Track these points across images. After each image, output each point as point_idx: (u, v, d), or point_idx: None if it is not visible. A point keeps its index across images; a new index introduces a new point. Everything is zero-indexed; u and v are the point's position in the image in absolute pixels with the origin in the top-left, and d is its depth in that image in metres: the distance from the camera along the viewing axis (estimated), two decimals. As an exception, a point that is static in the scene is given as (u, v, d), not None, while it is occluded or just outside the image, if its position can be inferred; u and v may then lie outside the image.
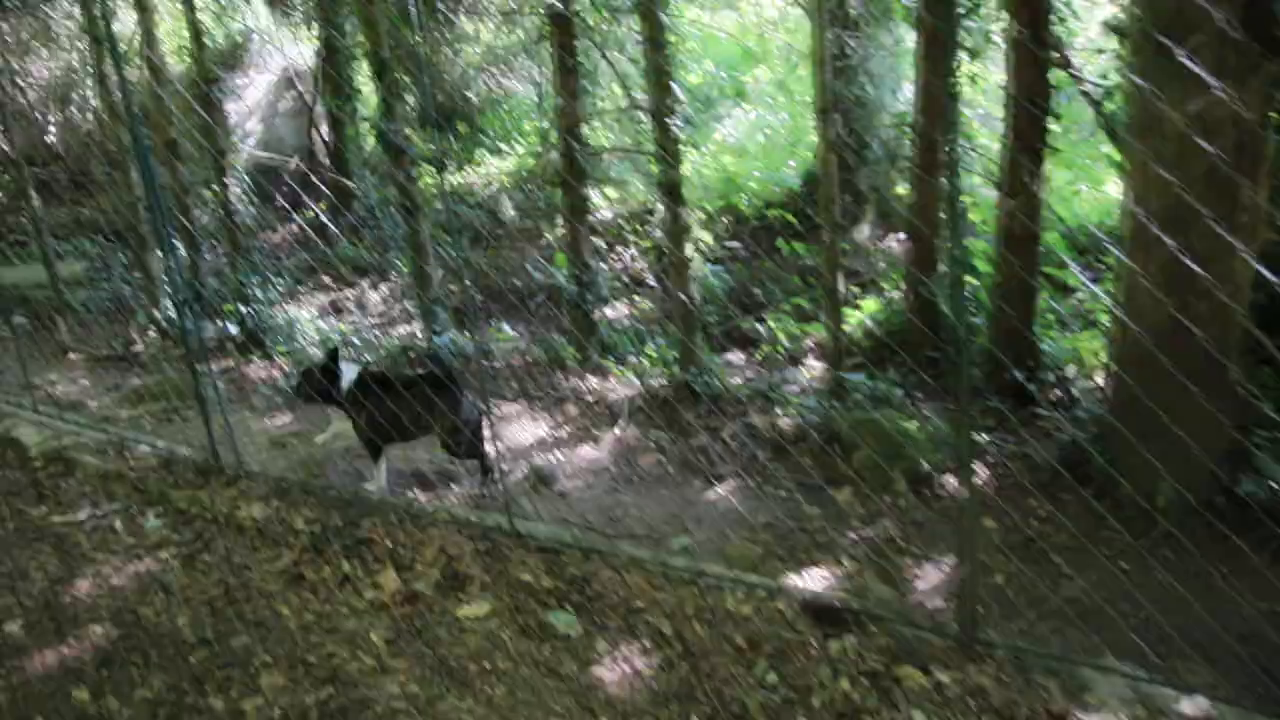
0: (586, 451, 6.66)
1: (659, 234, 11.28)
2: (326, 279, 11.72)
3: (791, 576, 5.22)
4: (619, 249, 11.55)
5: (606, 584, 4.67)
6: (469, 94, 16.00)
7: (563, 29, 7.66)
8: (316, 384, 5.88)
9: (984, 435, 6.35)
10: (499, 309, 10.50)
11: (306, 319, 9.61)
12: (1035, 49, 6.43)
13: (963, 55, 7.58)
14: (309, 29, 16.28)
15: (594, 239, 11.49)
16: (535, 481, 6.04)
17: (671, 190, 6.89)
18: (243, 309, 9.13)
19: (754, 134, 12.86)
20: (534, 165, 14.02)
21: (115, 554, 5.27)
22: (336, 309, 10.86)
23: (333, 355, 5.83)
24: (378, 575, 4.81)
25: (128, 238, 13.31)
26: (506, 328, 9.37)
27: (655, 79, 6.77)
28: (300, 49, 17.14)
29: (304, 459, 6.50)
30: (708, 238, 7.71)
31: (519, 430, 6.98)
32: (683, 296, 7.04)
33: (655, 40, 6.69)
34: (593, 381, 7.86)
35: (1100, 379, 7.26)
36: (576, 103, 7.76)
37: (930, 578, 5.41)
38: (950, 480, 6.07)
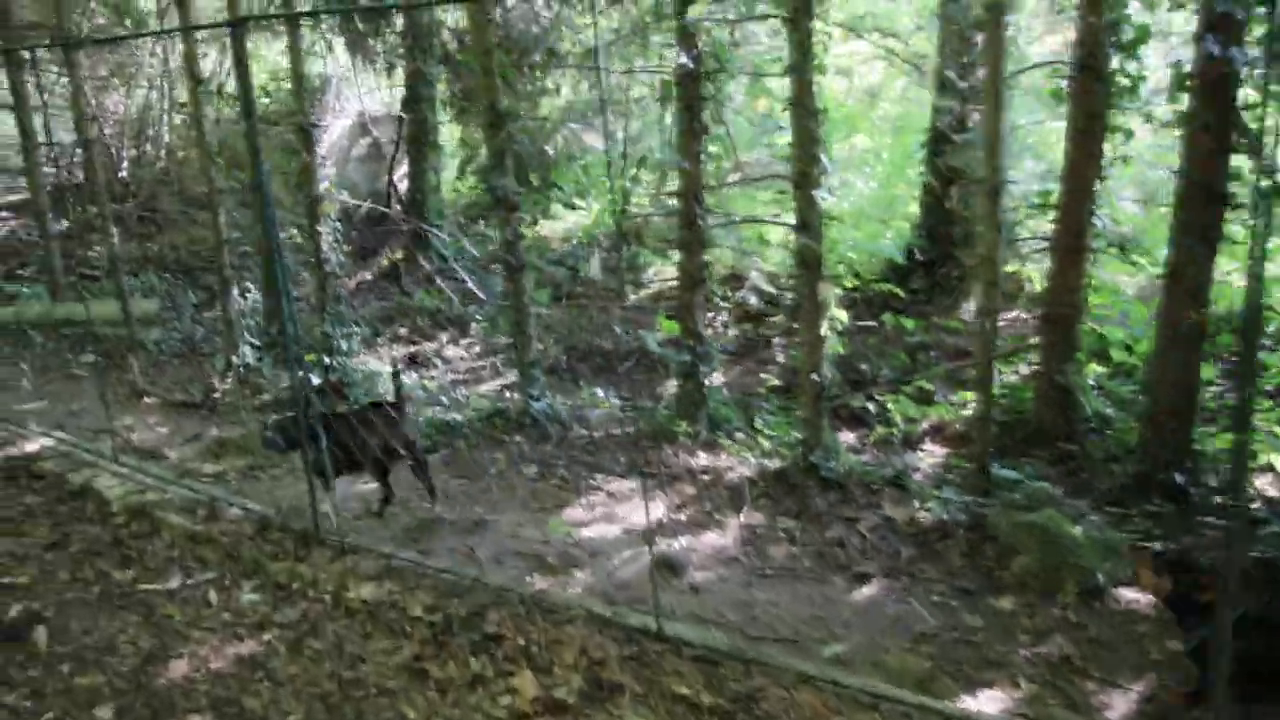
0: (711, 538, 6.08)
1: (754, 301, 10.83)
2: (403, 330, 11.29)
3: (965, 698, 4.62)
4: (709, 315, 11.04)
5: (776, 704, 4.08)
6: (546, 147, 15.70)
7: (690, 87, 7.24)
8: (287, 435, 5.75)
9: (1155, 544, 5.72)
10: (586, 371, 10.01)
11: (388, 372, 9.14)
12: (1213, 133, 5.94)
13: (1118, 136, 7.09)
14: (389, 75, 16.10)
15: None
16: (663, 572, 5.47)
17: (812, 264, 6.39)
18: (326, 360, 8.68)
19: (848, 202, 12.39)
20: (616, 223, 13.61)
21: (212, 631, 4.75)
22: (415, 361, 10.41)
23: (306, 401, 5.53)
24: (512, 677, 4.25)
25: (199, 277, 13.03)
26: (599, 393, 8.85)
27: (801, 145, 6.30)
28: (378, 95, 16.99)
29: (406, 528, 5.98)
30: (843, 316, 7.18)
31: (632, 510, 6.42)
32: (815, 377, 6.51)
33: (804, 104, 6.24)
34: (703, 458, 7.31)
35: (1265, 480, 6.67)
36: (699, 165, 7.30)
37: (1118, 706, 4.77)
38: (1124, 593, 5.45)
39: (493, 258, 13.41)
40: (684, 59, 7.18)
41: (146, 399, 8.81)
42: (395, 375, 6.32)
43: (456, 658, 4.41)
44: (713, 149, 7.57)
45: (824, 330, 6.63)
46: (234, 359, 9.11)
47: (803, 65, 6.26)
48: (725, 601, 5.34)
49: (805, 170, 6.35)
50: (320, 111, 16.50)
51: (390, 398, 6.34)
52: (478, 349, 10.86)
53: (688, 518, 6.40)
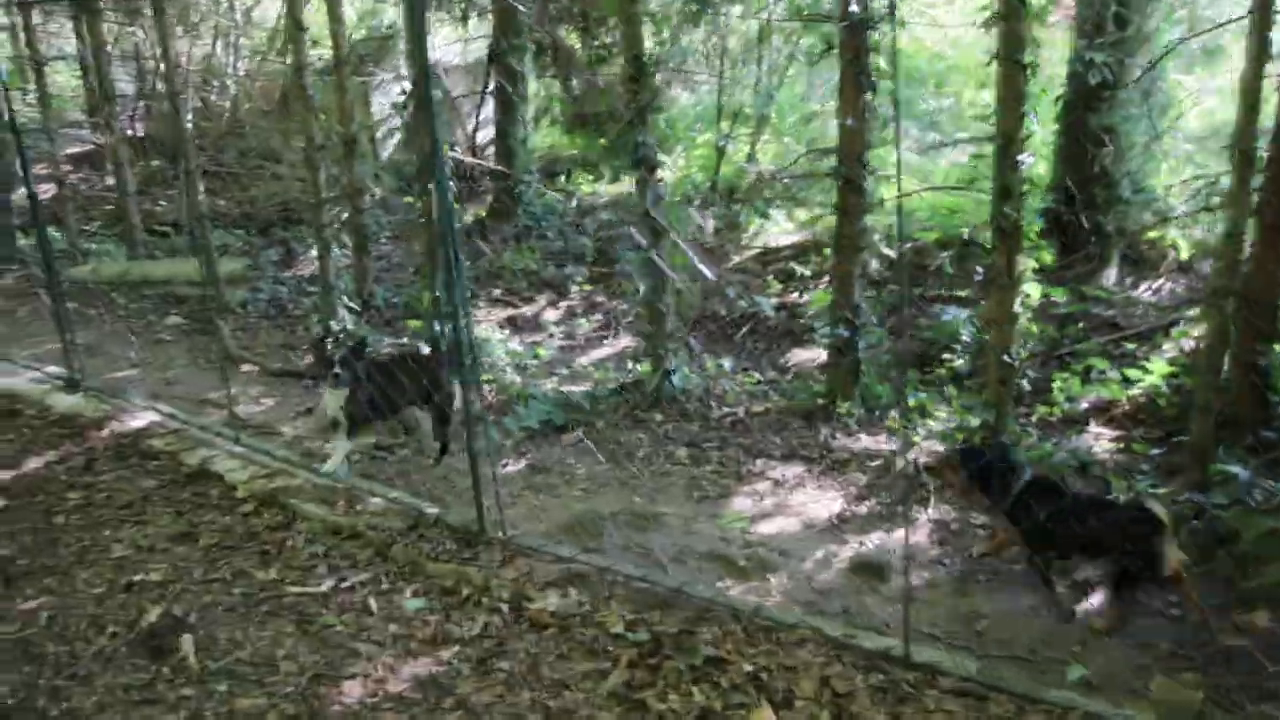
0: (903, 535, 5.40)
1: (874, 266, 10.05)
2: (496, 291, 10.65)
3: (1249, 738, 3.96)
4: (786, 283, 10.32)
5: (1066, 753, 3.43)
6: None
7: (857, 40, 6.48)
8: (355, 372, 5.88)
9: None
10: (700, 339, 9.33)
11: (497, 340, 8.52)
12: None
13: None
14: (464, 24, 15.34)
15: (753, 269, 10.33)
16: (866, 576, 4.82)
17: (1011, 234, 5.66)
18: (437, 327, 8.05)
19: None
20: (719, 178, 12.87)
21: (380, 645, 4.16)
22: (514, 326, 9.77)
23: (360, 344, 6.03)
24: (746, 712, 3.61)
25: (273, 234, 12.44)
26: (725, 364, 8.18)
27: (1008, 103, 5.55)
28: (451, 46, 16.25)
29: (569, 521, 5.36)
30: (1035, 292, 6.46)
31: (806, 500, 5.77)
32: (1007, 358, 5.80)
33: (1013, 59, 5.48)
34: (864, 440, 6.63)
35: None
36: (864, 125, 6.56)
37: None
38: (1398, 611, 4.74)
39: (631, 220, 12.75)
40: (853, 4, 6.43)
41: (243, 366, 8.23)
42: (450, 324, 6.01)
43: (675, 686, 3.79)
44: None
45: (1017, 306, 5.91)
46: (332, 323, 8.50)
47: (1013, 14, 5.50)
48: (943, 613, 4.70)
49: (1010, 131, 5.60)
50: (390, 63, 15.81)
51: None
52: (581, 314, 10.18)
53: (868, 510, 5.73)
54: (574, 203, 13.26)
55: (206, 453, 5.97)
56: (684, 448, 6.52)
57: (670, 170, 14.72)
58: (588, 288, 10.51)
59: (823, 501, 5.83)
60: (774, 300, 9.98)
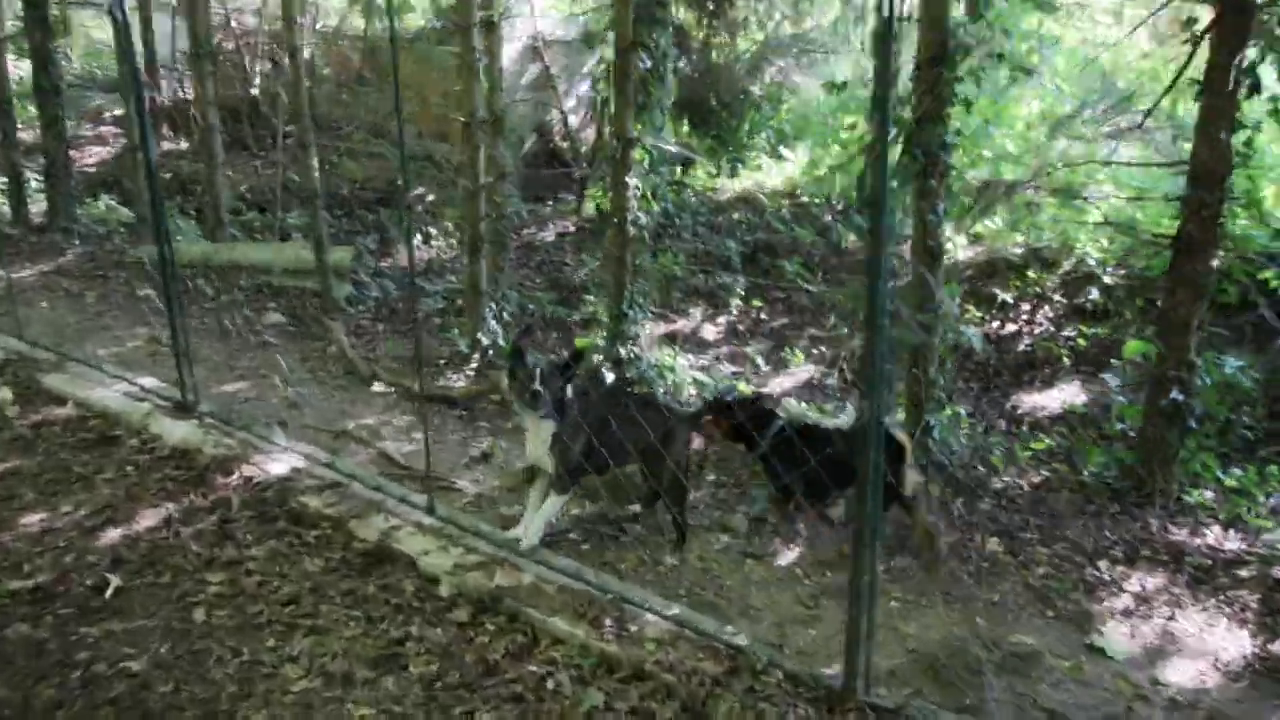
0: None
1: (1095, 295, 8.53)
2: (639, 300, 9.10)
3: None
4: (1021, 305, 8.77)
5: None
6: (752, 87, 13.36)
7: (1239, 21, 4.94)
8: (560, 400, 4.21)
9: None
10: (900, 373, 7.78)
11: (682, 366, 7.00)
12: None
13: None
14: (571, -8, 13.80)
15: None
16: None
17: None
18: (623, 350, 6.54)
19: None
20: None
21: None
22: (673, 344, 8.25)
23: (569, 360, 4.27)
24: None
25: (362, 218, 10.90)
26: (962, 412, 6.65)
27: None
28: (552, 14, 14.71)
29: (925, 657, 3.83)
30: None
31: (1201, 631, 4.23)
32: None
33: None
34: (1210, 535, 5.10)
35: None
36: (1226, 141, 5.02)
37: None
38: None
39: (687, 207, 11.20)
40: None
41: (375, 385, 6.70)
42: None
43: None
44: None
45: None
46: (480, 336, 6.97)
47: None
48: None
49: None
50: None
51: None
52: (745, 332, 8.66)
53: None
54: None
55: (383, 522, 4.44)
56: (994, 536, 4.99)
57: (792, 165, 13.22)
58: (753, 302, 8.96)
59: (1218, 631, 4.31)
60: (975, 330, 8.43)
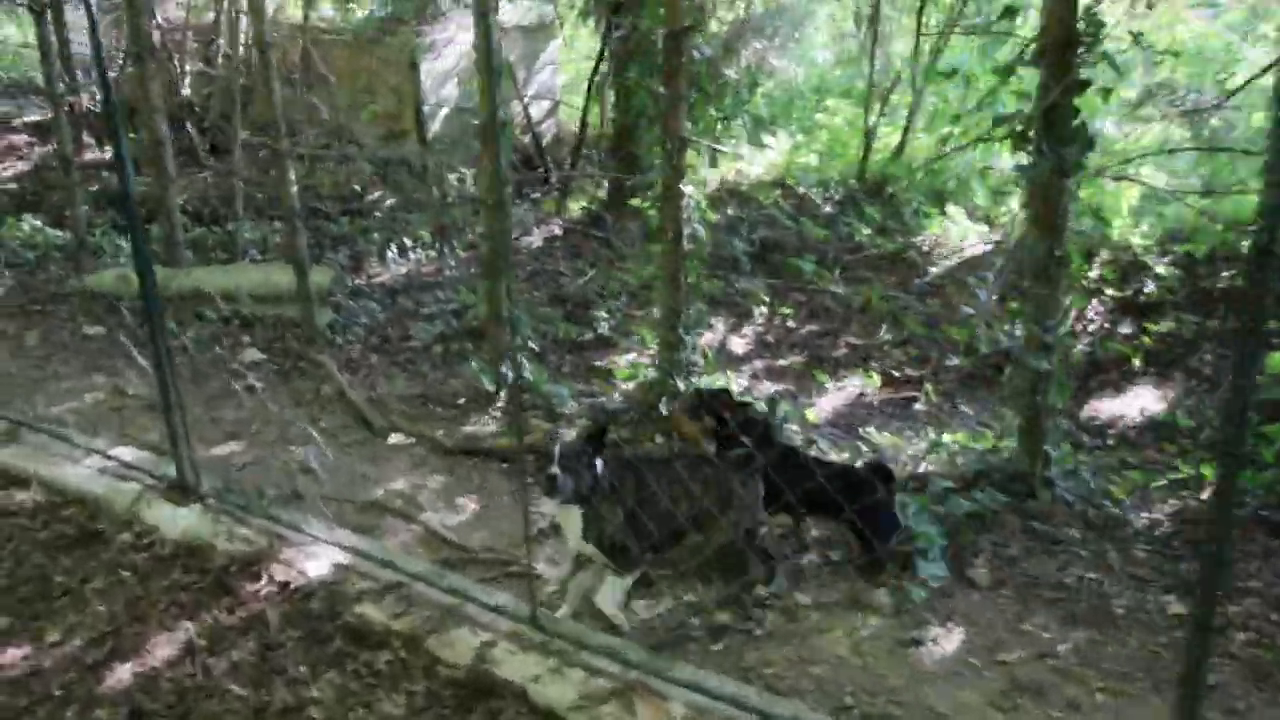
0: None
1: (1150, 287, 7.94)
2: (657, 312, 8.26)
3: None
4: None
5: None
6: (728, 70, 12.50)
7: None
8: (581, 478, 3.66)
9: None
10: (949, 387, 7.12)
11: (737, 391, 6.16)
12: None
13: None
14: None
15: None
16: None
17: None
18: (680, 383, 5.68)
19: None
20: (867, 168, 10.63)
21: None
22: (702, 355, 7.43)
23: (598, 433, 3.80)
24: None
25: (323, 230, 9.87)
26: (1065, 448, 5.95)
27: None
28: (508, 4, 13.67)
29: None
30: None
31: None
32: None
33: None
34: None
35: None
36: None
37: None
38: None
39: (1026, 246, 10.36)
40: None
41: (392, 437, 5.76)
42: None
43: None
44: None
45: None
46: (505, 370, 6.06)
47: None
48: None
49: None
50: (442, 20, 13.19)
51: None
52: (777, 344, 7.87)
53: None
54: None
55: (470, 638, 3.56)
56: (1169, 594, 4.28)
57: (774, 152, 12.46)
58: (782, 309, 8.17)
59: None
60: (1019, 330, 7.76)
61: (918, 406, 6.53)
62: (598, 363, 7.41)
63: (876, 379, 6.70)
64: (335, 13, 13.46)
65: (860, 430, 6.08)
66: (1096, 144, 4.66)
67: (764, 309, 8.30)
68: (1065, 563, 4.61)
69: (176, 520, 4.40)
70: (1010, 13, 4.95)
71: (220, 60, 13.27)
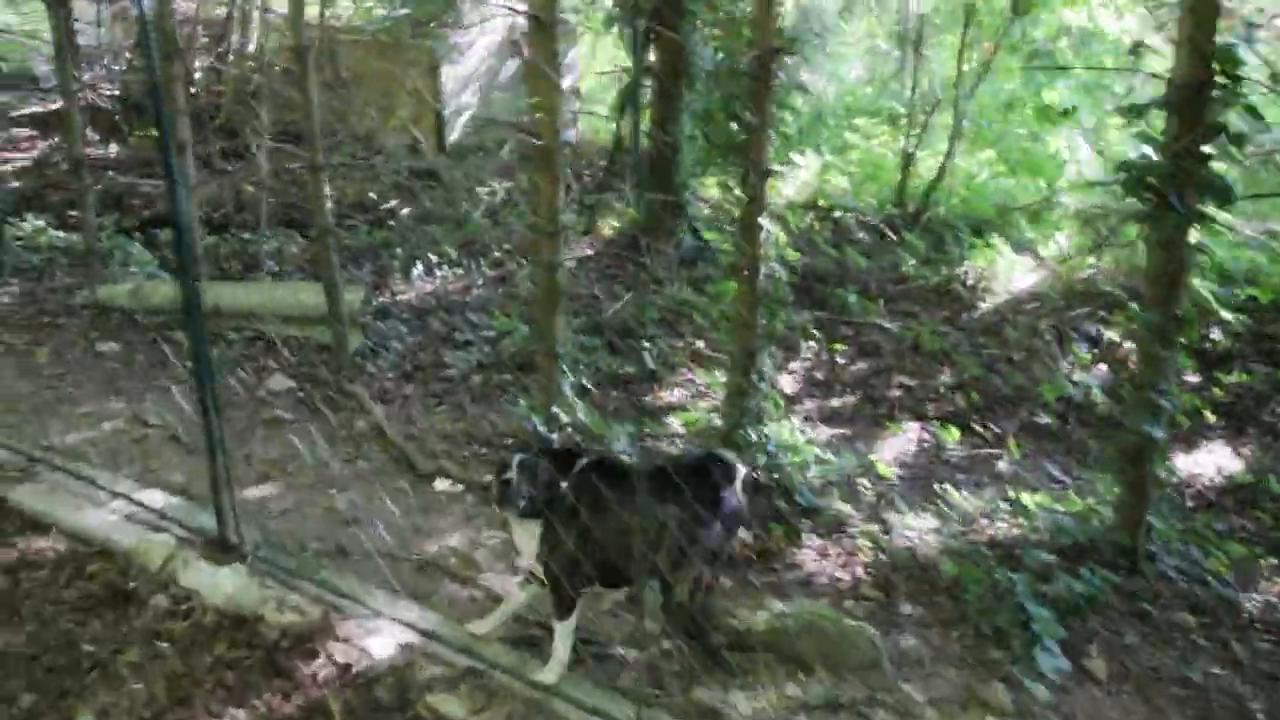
0: None
1: (1216, 335, 7.59)
2: (699, 343, 7.88)
3: None
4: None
5: None
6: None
7: None
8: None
9: None
10: (1003, 428, 6.77)
11: (800, 439, 5.77)
12: None
13: None
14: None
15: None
16: None
17: None
18: (753, 434, 5.29)
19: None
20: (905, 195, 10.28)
21: None
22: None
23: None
24: None
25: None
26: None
27: None
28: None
29: None
30: None
31: None
32: None
33: None
34: None
35: None
36: None
37: None
38: None
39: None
40: None
41: (439, 483, 5.34)
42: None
43: None
44: None
45: None
46: (558, 410, 5.66)
47: None
48: None
49: None
50: (460, 24, 12.77)
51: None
52: (828, 384, 7.49)
53: None
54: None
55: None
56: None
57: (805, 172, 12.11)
58: (835, 346, 7.79)
59: None
60: (1074, 374, 7.46)
61: (1002, 465, 6.12)
62: (645, 399, 7.02)
63: (955, 432, 6.29)
64: (352, 13, 13.01)
65: (936, 486, 5.69)
66: (1234, 196, 4.27)
67: (812, 344, 7.91)
68: (1185, 654, 4.24)
69: (218, 582, 3.97)
70: (1136, 50, 4.59)
71: (231, 58, 12.82)
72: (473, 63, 12.66)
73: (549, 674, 3.51)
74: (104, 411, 6.03)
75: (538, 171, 5.51)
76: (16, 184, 10.48)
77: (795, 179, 11.83)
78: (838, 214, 10.67)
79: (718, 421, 5.75)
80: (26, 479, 4.83)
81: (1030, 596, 4.32)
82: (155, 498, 4.63)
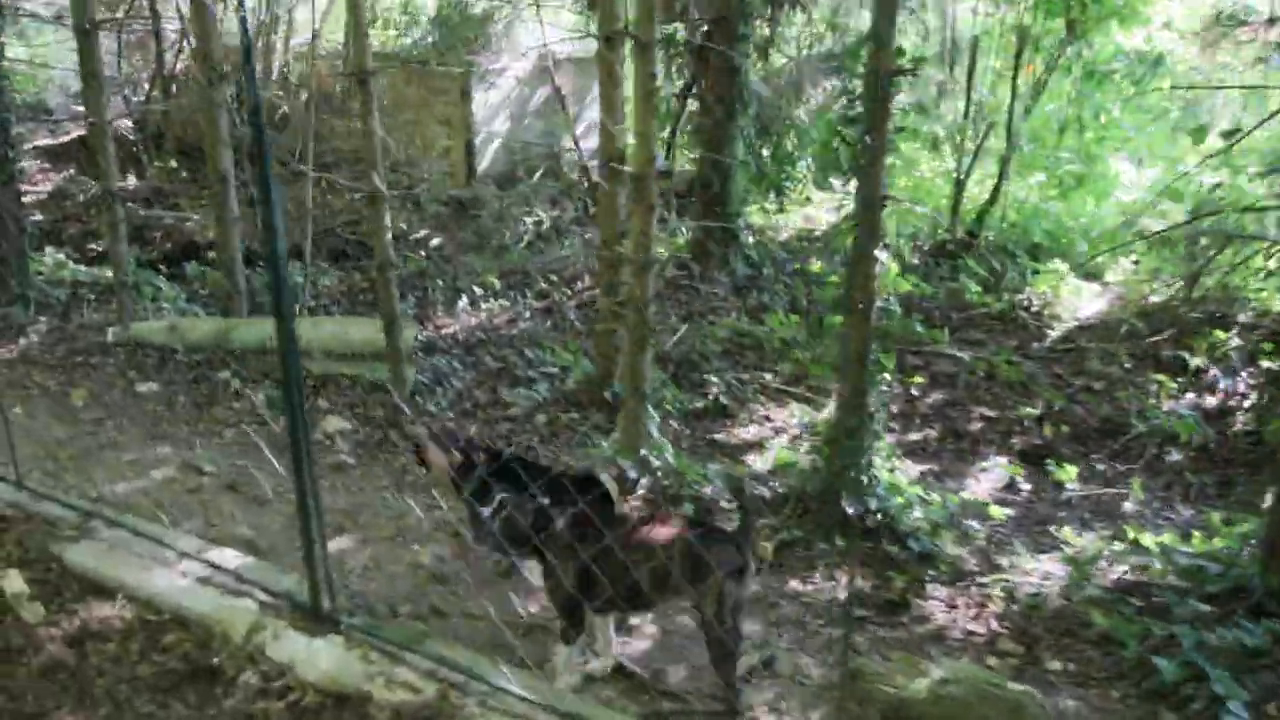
0: None
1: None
2: (766, 376, 7.50)
3: None
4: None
5: None
6: (796, 111, 11.88)
7: None
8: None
9: None
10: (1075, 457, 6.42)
11: (902, 479, 5.36)
12: None
13: None
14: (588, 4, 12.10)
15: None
16: None
17: None
18: (864, 477, 4.89)
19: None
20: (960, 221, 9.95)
21: None
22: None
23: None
24: None
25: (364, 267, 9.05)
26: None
27: None
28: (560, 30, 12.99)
29: None
30: None
31: None
32: None
33: None
34: None
35: None
36: None
37: None
38: None
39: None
40: None
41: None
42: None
43: None
44: None
45: None
46: (648, 454, 5.25)
47: None
48: None
49: None
50: (491, 51, 12.47)
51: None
52: (906, 416, 7.10)
53: None
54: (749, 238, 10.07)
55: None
56: None
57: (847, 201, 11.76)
58: (914, 378, 7.41)
59: None
60: (1170, 405, 7.09)
61: (1128, 506, 5.72)
62: (717, 436, 6.63)
63: (1072, 470, 5.90)
64: (379, 41, 12.71)
65: (1053, 529, 5.30)
66: None
67: (885, 375, 7.52)
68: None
69: (314, 656, 3.54)
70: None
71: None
72: (504, 89, 12.34)
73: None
74: (151, 458, 5.61)
75: (634, 201, 5.15)
76: (38, 217, 10.04)
77: (833, 202, 11.52)
78: (888, 240, 10.31)
79: (808, 457, 5.36)
80: (82, 536, 4.39)
81: (1196, 652, 3.92)
82: (226, 557, 4.20)
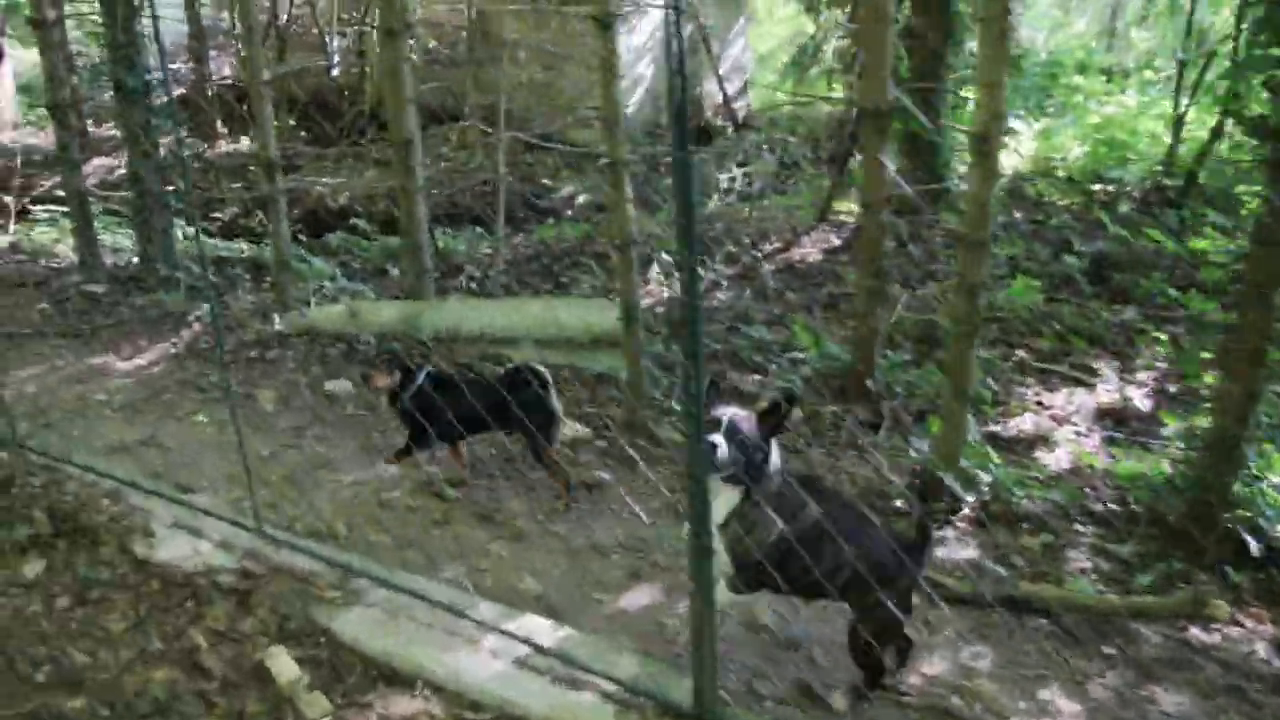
0: None
1: None
2: (1018, 354, 6.51)
3: None
4: None
5: None
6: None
7: None
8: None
9: None
10: None
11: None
12: None
13: None
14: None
15: None
16: None
17: None
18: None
19: None
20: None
21: None
22: (1114, 419, 5.72)
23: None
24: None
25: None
26: None
27: None
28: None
29: None
30: None
31: None
32: None
33: None
34: None
35: None
36: None
37: None
38: None
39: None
40: None
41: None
42: None
43: None
44: None
45: None
46: (965, 461, 4.31)
47: None
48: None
49: None
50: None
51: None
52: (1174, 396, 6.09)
53: None
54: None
55: None
56: None
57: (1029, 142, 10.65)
58: (1179, 350, 6.37)
59: None
60: None
61: None
62: (993, 428, 5.67)
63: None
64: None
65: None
66: None
67: (1155, 349, 6.51)
68: None
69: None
70: None
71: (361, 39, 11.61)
72: (646, 32, 11.30)
73: None
74: (373, 479, 4.79)
75: (974, 164, 4.15)
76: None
77: (1023, 147, 10.39)
78: (1094, 187, 9.19)
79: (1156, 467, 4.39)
80: (348, 600, 3.57)
81: None
82: (537, 626, 3.35)
